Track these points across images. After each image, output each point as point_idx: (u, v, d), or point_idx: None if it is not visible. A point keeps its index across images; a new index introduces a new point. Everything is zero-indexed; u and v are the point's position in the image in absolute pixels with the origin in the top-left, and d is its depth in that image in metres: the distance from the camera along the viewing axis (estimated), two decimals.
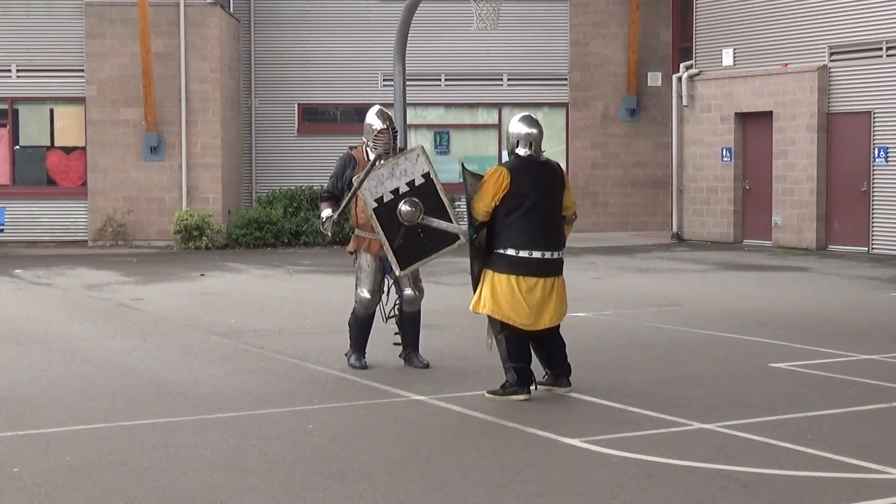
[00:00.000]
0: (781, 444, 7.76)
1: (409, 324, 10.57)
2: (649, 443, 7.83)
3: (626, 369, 10.52)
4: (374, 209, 9.78)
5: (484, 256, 9.21)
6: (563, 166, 27.76)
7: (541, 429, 8.20)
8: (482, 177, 9.30)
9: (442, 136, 28.11)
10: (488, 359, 11.06)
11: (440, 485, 6.87)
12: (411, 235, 9.84)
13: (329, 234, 10.36)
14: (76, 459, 7.47)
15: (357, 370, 10.39)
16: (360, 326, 10.53)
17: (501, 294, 9.10)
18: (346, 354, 10.69)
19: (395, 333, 10.66)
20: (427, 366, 10.46)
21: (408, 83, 16.08)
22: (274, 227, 24.81)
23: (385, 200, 9.78)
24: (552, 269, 9.22)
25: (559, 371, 9.44)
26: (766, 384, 9.81)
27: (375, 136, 10.28)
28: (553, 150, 28.58)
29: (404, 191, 9.80)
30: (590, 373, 10.30)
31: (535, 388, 9.28)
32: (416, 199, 9.80)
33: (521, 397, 9.13)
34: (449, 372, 10.41)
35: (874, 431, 8.15)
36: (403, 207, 9.78)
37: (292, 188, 26.35)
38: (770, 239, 24.05)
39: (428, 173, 9.94)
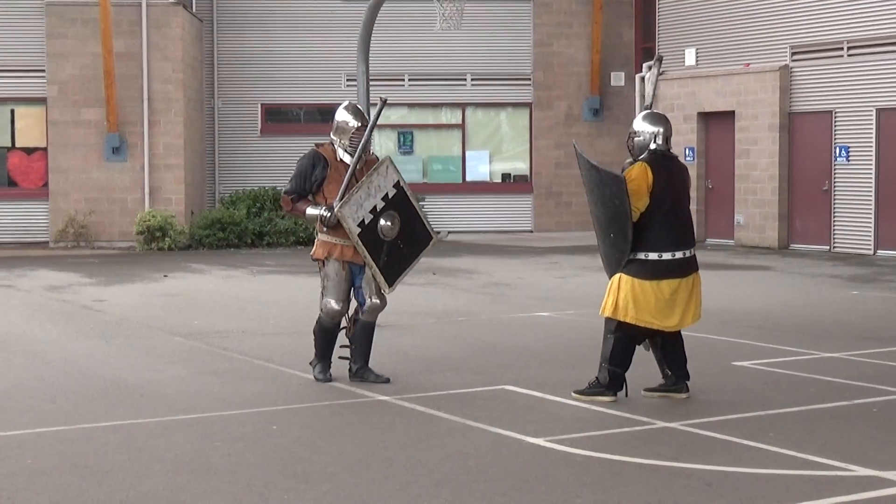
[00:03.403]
0: (744, 441, 7.80)
1: (363, 336, 9.95)
2: (614, 442, 7.85)
3: (590, 369, 10.50)
4: (358, 234, 9.50)
5: (619, 250, 8.91)
6: (527, 166, 28.23)
7: (505, 428, 8.20)
8: (587, 160, 8.98)
9: (405, 137, 28.10)
10: (452, 359, 11.07)
11: (404, 485, 6.86)
12: (393, 249, 9.71)
13: (334, 222, 9.60)
14: (37, 462, 7.41)
15: None
16: (326, 336, 9.89)
17: (645, 301, 8.86)
18: (310, 363, 10.16)
19: (342, 346, 10.05)
20: (388, 381, 9.90)
21: (371, 83, 16.02)
22: (237, 228, 24.73)
23: (366, 223, 9.57)
24: (691, 266, 9.03)
25: (682, 374, 9.21)
26: (730, 382, 9.85)
27: (353, 134, 9.79)
28: (516, 149, 28.65)
29: (381, 206, 9.67)
30: (554, 372, 10.31)
31: (626, 395, 9.09)
32: (393, 212, 9.73)
33: (607, 399, 8.97)
34: (413, 372, 10.40)
35: (836, 429, 8.20)
36: (383, 223, 9.65)
37: (255, 189, 26.30)
38: (733, 238, 24.16)
39: (398, 182, 9.85)
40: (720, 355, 11.10)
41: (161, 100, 25.05)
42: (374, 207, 9.65)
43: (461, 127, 28.32)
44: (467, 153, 28.32)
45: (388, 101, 10.11)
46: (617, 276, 9.00)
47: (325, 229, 9.75)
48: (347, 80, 26.73)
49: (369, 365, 10.00)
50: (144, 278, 18.65)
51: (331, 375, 9.94)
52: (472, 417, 8.55)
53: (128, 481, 6.97)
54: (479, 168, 28.39)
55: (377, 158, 10.09)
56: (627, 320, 8.94)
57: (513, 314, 14.21)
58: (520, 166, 28.63)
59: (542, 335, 12.55)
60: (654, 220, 8.88)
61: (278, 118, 28.27)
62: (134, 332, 12.92)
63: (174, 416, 8.71)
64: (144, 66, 24.97)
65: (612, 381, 9.02)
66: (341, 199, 9.58)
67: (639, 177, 8.86)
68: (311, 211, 9.78)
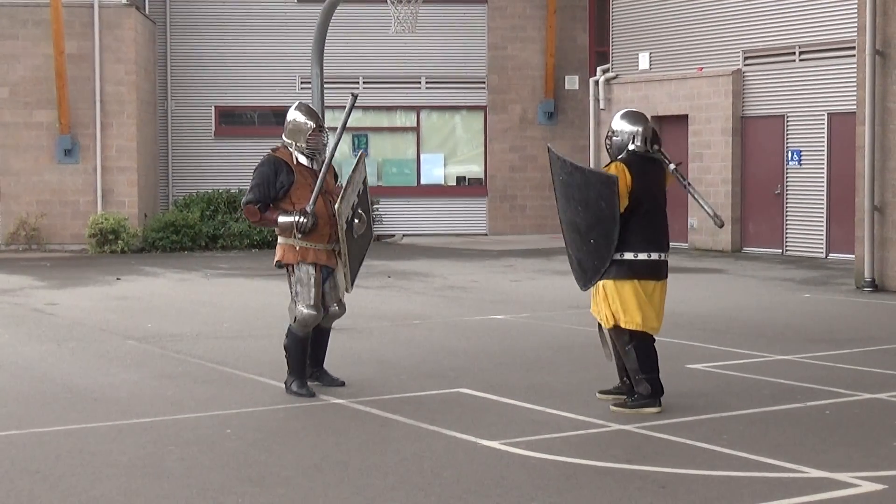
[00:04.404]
0: (698, 444, 7.84)
1: (318, 340, 9.74)
2: (568, 444, 7.87)
3: (544, 371, 10.56)
4: (345, 231, 9.31)
5: (600, 256, 8.73)
6: (481, 169, 28.25)
7: (460, 431, 8.19)
8: (571, 163, 8.79)
9: (360, 139, 28.06)
10: (407, 362, 11.06)
11: (359, 489, 6.84)
12: (355, 246, 9.64)
13: (310, 226, 9.25)
14: None
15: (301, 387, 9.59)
16: (300, 348, 9.44)
17: (632, 303, 8.67)
18: (285, 383, 9.65)
19: None
20: (343, 384, 9.80)
21: (325, 86, 16.00)
22: (191, 231, 24.61)
23: (349, 221, 9.39)
24: (664, 270, 8.86)
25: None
26: (683, 385, 9.89)
27: (310, 135, 9.50)
28: (471, 152, 28.68)
29: (355, 203, 9.53)
30: (509, 375, 10.32)
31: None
32: (360, 210, 9.61)
33: (654, 410, 8.71)
34: (368, 376, 10.38)
35: (788, 431, 8.26)
36: (357, 221, 9.51)
37: (209, 191, 26.20)
38: (686, 241, 24.28)
39: (365, 178, 9.81)
40: (674, 358, 11.13)
41: (113, 102, 24.89)
42: (354, 205, 9.53)
43: (416, 130, 28.32)
44: (422, 156, 28.32)
45: (358, 96, 10.02)
46: (600, 284, 8.81)
47: (299, 235, 9.37)
48: (302, 82, 26.67)
49: (324, 368, 9.94)
50: (97, 281, 18.52)
51: (312, 389, 9.52)
52: (427, 420, 8.55)
53: (80, 486, 6.93)
54: (434, 171, 28.41)
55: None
56: (630, 328, 8.72)
57: (468, 317, 14.22)
58: (474, 169, 28.66)
59: (497, 338, 12.56)
60: (631, 220, 8.68)
61: (232, 120, 28.15)
62: (86, 336, 12.83)
63: (127, 420, 8.65)
64: (97, 67, 24.80)
65: (654, 388, 8.78)
66: (314, 203, 9.32)
67: (618, 178, 8.64)
68: (284, 219, 9.36)
